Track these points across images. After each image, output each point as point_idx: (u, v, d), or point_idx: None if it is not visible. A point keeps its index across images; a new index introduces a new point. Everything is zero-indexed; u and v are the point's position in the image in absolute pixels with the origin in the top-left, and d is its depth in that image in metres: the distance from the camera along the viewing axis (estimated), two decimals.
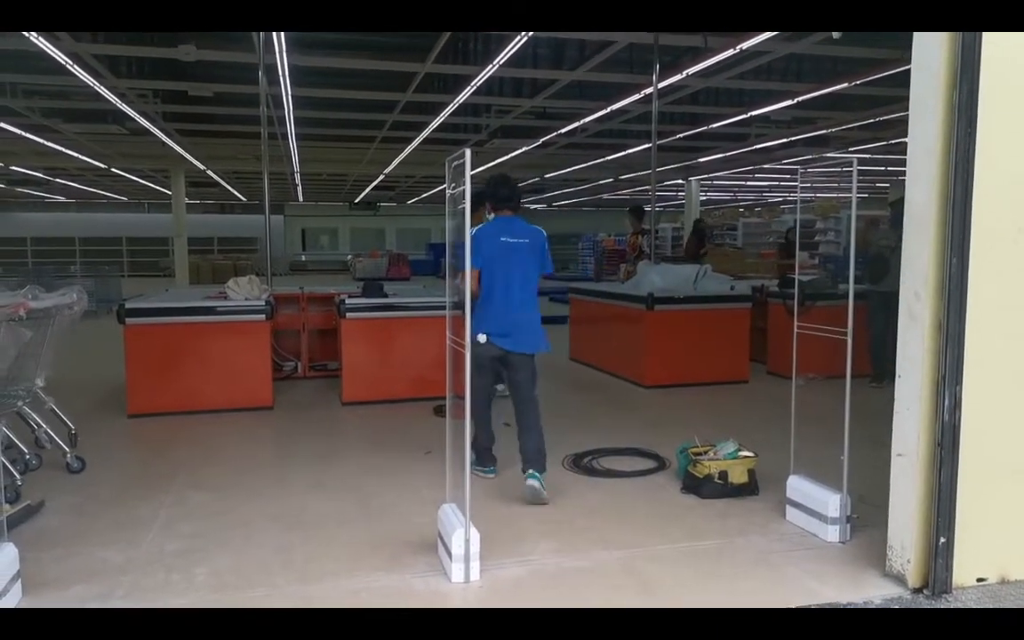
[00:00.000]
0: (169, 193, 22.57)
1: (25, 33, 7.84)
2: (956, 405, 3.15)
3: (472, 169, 3.31)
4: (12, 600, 3.09)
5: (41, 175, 22.68)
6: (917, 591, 3.25)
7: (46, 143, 15.96)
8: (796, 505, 4.03)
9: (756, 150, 18.08)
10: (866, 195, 24.62)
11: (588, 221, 37.49)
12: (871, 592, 3.27)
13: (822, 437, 3.98)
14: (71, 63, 9.32)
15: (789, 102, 12.31)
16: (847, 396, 3.76)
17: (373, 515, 4.26)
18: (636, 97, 11.73)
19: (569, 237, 34.51)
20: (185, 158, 19.02)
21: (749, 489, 4.48)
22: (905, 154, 3.34)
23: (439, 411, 6.44)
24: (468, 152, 3.28)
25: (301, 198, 32.86)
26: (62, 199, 31.96)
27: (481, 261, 4.47)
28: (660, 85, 9.78)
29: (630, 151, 17.94)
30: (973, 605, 3.15)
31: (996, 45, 3.08)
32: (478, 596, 3.27)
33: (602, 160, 19.90)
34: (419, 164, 20.95)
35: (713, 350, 7.83)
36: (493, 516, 4.03)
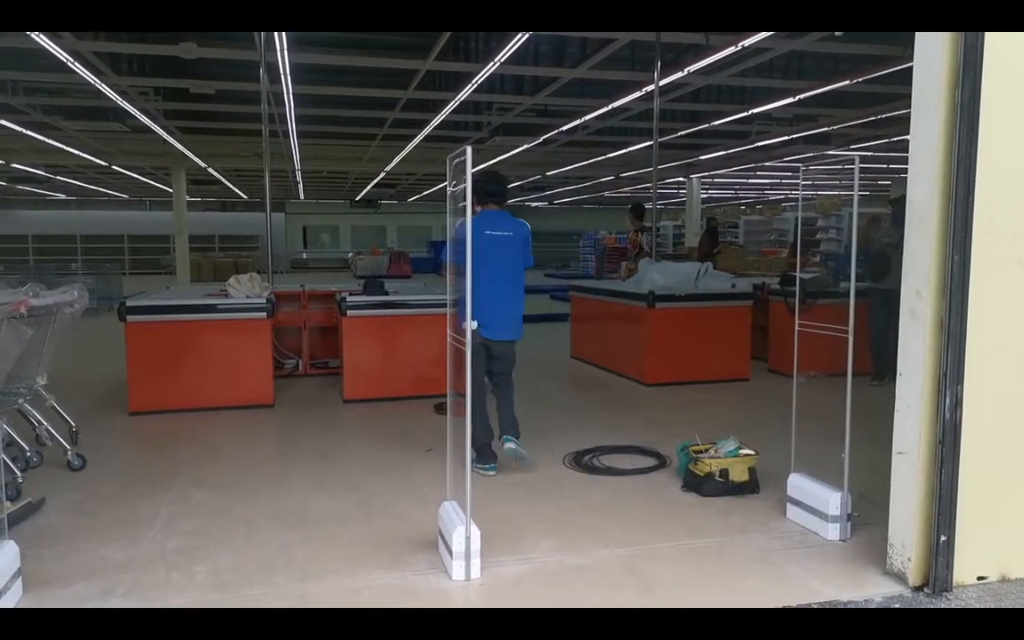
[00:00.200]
0: (170, 190, 22.57)
1: (27, 32, 7.84)
2: (957, 403, 3.15)
3: (473, 167, 3.31)
4: (13, 598, 3.10)
5: (42, 173, 22.68)
6: (918, 589, 3.25)
7: (47, 141, 15.97)
8: (797, 503, 4.03)
9: (757, 148, 18.07)
10: (868, 193, 24.66)
11: (589, 219, 37.48)
12: (872, 590, 3.27)
13: (823, 435, 3.98)
14: (72, 61, 9.32)
15: (790, 99, 12.30)
16: (848, 394, 3.76)
17: (374, 513, 4.26)
18: (637, 95, 11.72)
19: (570, 235, 34.53)
20: (186, 156, 19.02)
21: (750, 487, 4.48)
22: (907, 151, 3.34)
23: (440, 409, 6.44)
24: (469, 150, 3.28)
25: (302, 196, 32.87)
26: (63, 197, 31.98)
27: (460, 257, 4.49)
28: (661, 83, 9.78)
29: (631, 149, 17.93)
30: (974, 604, 3.14)
31: (998, 45, 3.07)
32: (479, 594, 3.27)
33: (603, 158, 19.89)
34: (420, 162, 20.95)
35: (714, 348, 7.83)
36: (494, 514, 4.03)
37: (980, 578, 3.31)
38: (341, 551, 3.72)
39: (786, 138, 16.50)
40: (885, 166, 21.06)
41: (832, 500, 3.78)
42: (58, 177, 24.23)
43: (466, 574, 3.35)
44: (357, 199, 35.76)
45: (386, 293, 7.34)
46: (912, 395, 3.26)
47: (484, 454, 4.89)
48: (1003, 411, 3.32)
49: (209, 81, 11.52)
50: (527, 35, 8.56)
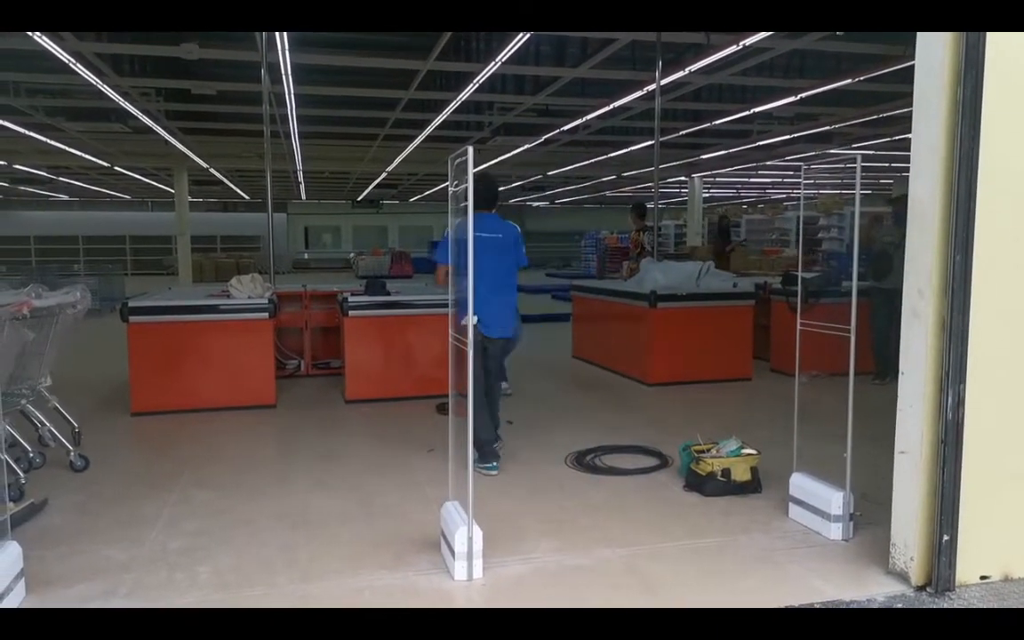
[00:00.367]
0: (172, 191, 22.59)
1: (28, 32, 7.85)
2: (959, 403, 3.15)
3: (475, 167, 3.31)
4: (16, 598, 3.10)
5: (44, 174, 22.71)
6: (920, 589, 3.25)
7: (49, 142, 15.98)
8: (799, 503, 4.02)
9: (759, 147, 18.05)
10: (869, 192, 24.64)
11: (591, 218, 37.45)
12: (874, 590, 3.27)
13: (825, 435, 3.98)
14: (74, 62, 9.33)
15: (792, 98, 12.28)
16: (850, 393, 3.75)
17: (376, 513, 4.27)
18: (638, 94, 11.72)
19: (571, 234, 34.51)
20: (188, 156, 19.03)
21: (752, 487, 4.47)
22: (908, 151, 3.34)
23: (442, 409, 6.44)
24: (470, 150, 3.28)
25: (304, 196, 32.89)
26: (65, 198, 32.01)
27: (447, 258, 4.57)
28: (663, 82, 9.77)
29: (633, 148, 17.92)
30: (976, 603, 3.14)
31: (1000, 44, 3.07)
32: (481, 594, 3.27)
33: (604, 157, 19.88)
34: (422, 162, 20.96)
35: (716, 348, 7.83)
36: (496, 514, 4.03)
37: (983, 578, 3.31)
38: (343, 551, 3.73)
39: (788, 137, 16.48)
40: (887, 165, 21.03)
41: (834, 500, 3.78)
42: (60, 178, 24.26)
43: (468, 574, 3.35)
44: (359, 199, 35.77)
45: (388, 293, 7.35)
46: (914, 394, 3.26)
47: (486, 453, 4.90)
48: (1005, 410, 3.32)
49: (211, 82, 11.53)
50: (528, 35, 8.56)
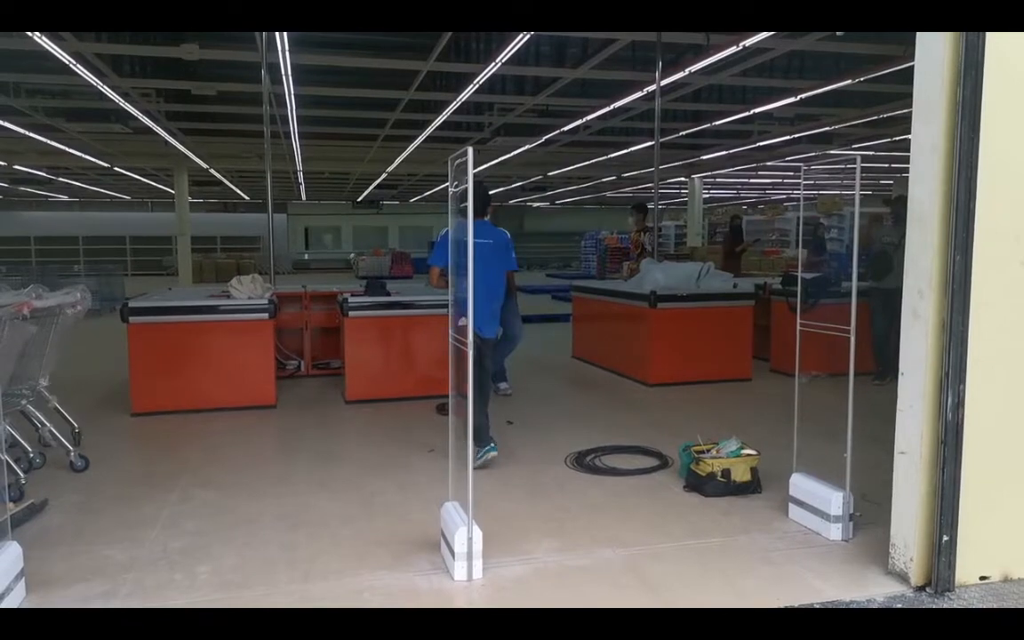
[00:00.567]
0: (172, 192, 22.61)
1: (28, 33, 7.85)
2: (959, 403, 3.15)
3: (475, 168, 3.31)
4: (16, 598, 3.11)
5: (44, 174, 22.73)
6: (920, 589, 3.25)
7: (49, 142, 15.99)
8: (799, 503, 4.03)
9: (759, 147, 18.06)
10: (869, 192, 24.64)
11: (591, 219, 37.47)
12: (874, 590, 3.27)
13: (825, 435, 3.98)
14: (74, 62, 9.34)
15: (792, 99, 12.29)
16: (850, 394, 3.76)
17: (376, 513, 4.27)
18: (639, 95, 11.72)
19: (572, 235, 34.52)
20: (188, 157, 19.04)
21: (752, 487, 4.48)
22: (908, 151, 3.34)
23: (442, 409, 6.45)
24: (471, 150, 3.28)
25: (304, 196, 32.90)
26: (65, 198, 32.03)
27: (445, 259, 4.74)
28: (663, 83, 9.78)
29: (633, 149, 17.92)
30: (976, 604, 3.14)
31: (1000, 44, 3.07)
32: (481, 594, 3.27)
33: (605, 158, 19.88)
34: (422, 162, 20.96)
35: (716, 348, 7.83)
36: (496, 514, 4.04)
37: (982, 578, 3.31)
38: (343, 551, 3.73)
39: (788, 138, 16.48)
40: (887, 166, 21.04)
41: (834, 500, 3.78)
42: (60, 179, 24.27)
43: (468, 574, 3.35)
44: (359, 200, 35.79)
45: (388, 294, 7.35)
46: (914, 395, 3.26)
47: (482, 437, 4.96)
48: (1005, 411, 3.32)
49: (211, 82, 11.53)
50: (528, 35, 8.57)
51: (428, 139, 16.09)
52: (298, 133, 15.10)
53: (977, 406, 3.18)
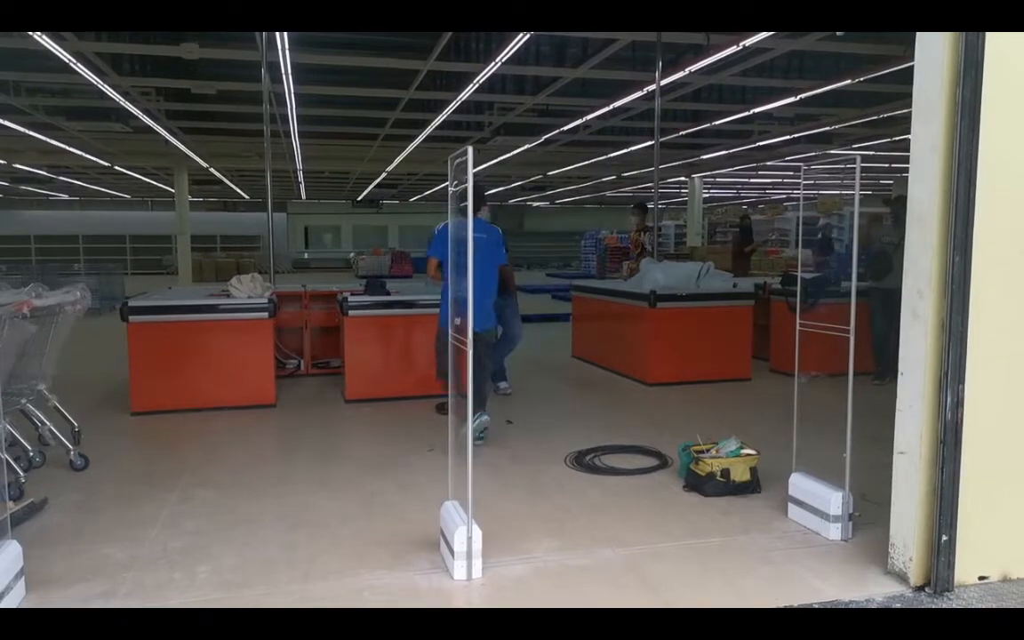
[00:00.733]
0: (172, 191, 22.61)
1: (29, 32, 7.85)
2: (959, 403, 3.15)
3: (474, 167, 3.31)
4: (16, 598, 3.11)
5: (44, 173, 22.72)
6: (919, 589, 3.26)
7: (49, 141, 16.00)
8: (798, 503, 4.03)
9: (759, 147, 18.06)
10: (869, 192, 24.65)
11: (591, 218, 37.47)
12: (873, 590, 3.28)
13: (824, 435, 3.98)
14: (74, 61, 9.34)
15: (792, 99, 12.29)
16: (849, 394, 3.76)
17: (376, 513, 4.27)
18: (638, 94, 11.73)
19: (571, 234, 34.52)
20: (188, 156, 19.04)
21: (751, 487, 4.48)
22: (908, 151, 3.34)
23: (441, 408, 6.45)
24: (470, 150, 3.28)
25: (304, 196, 32.89)
26: (65, 197, 32.03)
27: (444, 252, 5.05)
28: (663, 82, 9.78)
29: (633, 148, 17.92)
30: (975, 603, 3.15)
31: (999, 44, 3.07)
32: (480, 594, 3.28)
33: (605, 158, 19.88)
34: (421, 162, 20.97)
35: (716, 348, 7.83)
36: (495, 514, 4.04)
37: (981, 578, 3.31)
38: (343, 551, 3.73)
39: (788, 138, 16.49)
40: (887, 166, 21.04)
41: (833, 500, 3.78)
42: (60, 177, 24.27)
43: (468, 574, 3.35)
44: (359, 199, 35.78)
45: (388, 293, 7.35)
46: (913, 395, 3.27)
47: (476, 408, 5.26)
48: (1004, 411, 3.32)
49: (211, 81, 11.54)
50: (528, 35, 8.57)
51: (428, 138, 16.10)
52: (298, 132, 15.11)
53: (976, 406, 3.18)
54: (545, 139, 16.61)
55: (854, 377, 3.79)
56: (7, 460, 4.17)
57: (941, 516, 3.18)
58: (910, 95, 3.28)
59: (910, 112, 3.30)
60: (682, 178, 24.69)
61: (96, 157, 18.79)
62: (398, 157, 19.80)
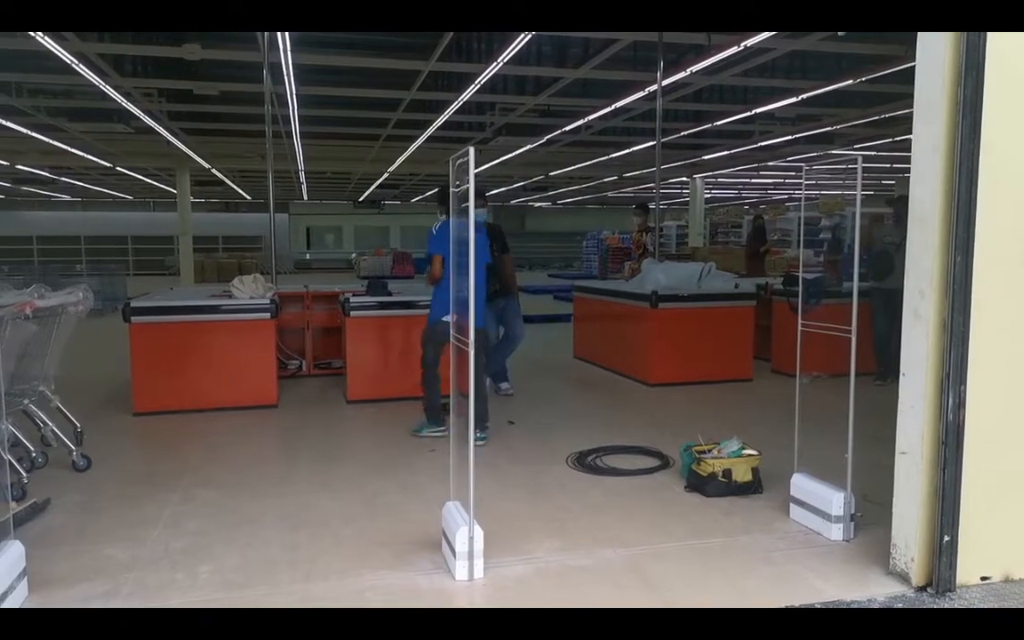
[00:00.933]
0: (174, 192, 22.64)
1: (31, 33, 7.87)
2: (960, 404, 3.15)
3: (476, 168, 3.31)
4: (18, 598, 3.11)
5: (46, 174, 22.76)
6: (921, 590, 3.25)
7: (51, 142, 16.02)
8: (800, 503, 4.03)
9: (761, 147, 18.05)
10: (871, 193, 24.62)
11: (592, 218, 37.46)
12: (875, 590, 3.27)
13: (826, 435, 3.98)
14: (76, 62, 9.36)
15: (793, 99, 12.29)
16: (851, 394, 3.75)
17: (378, 513, 4.27)
18: (640, 95, 11.73)
19: (573, 235, 34.51)
20: (190, 157, 19.07)
21: (753, 487, 4.48)
22: (910, 151, 3.34)
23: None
24: (472, 150, 3.28)
25: (306, 196, 32.92)
26: (67, 198, 32.07)
27: (446, 250, 5.34)
28: (664, 83, 9.78)
29: (634, 149, 17.92)
30: (977, 604, 3.14)
31: (1001, 44, 3.07)
32: (482, 594, 3.28)
33: (606, 158, 19.88)
34: (423, 162, 20.98)
35: (717, 348, 7.83)
36: (497, 514, 4.04)
37: (983, 578, 3.31)
38: (345, 551, 3.73)
39: (789, 138, 16.48)
40: (888, 166, 21.02)
41: (835, 500, 3.78)
42: (62, 178, 24.31)
43: (469, 574, 3.35)
44: (360, 200, 35.79)
45: (389, 294, 7.35)
46: (915, 395, 3.26)
47: (439, 416, 5.73)
48: (1006, 411, 3.32)
49: (213, 82, 11.55)
50: (529, 35, 8.57)
51: (430, 139, 16.10)
52: (300, 133, 15.12)
53: (978, 407, 3.18)
54: (547, 139, 16.62)
55: (856, 377, 3.79)
56: (10, 461, 4.18)
57: (943, 517, 3.18)
58: (912, 95, 3.28)
59: (912, 112, 3.29)
60: (684, 178, 24.69)
61: (98, 158, 18.81)
62: (400, 158, 19.82)
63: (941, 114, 3.11)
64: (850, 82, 10.89)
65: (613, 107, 12.81)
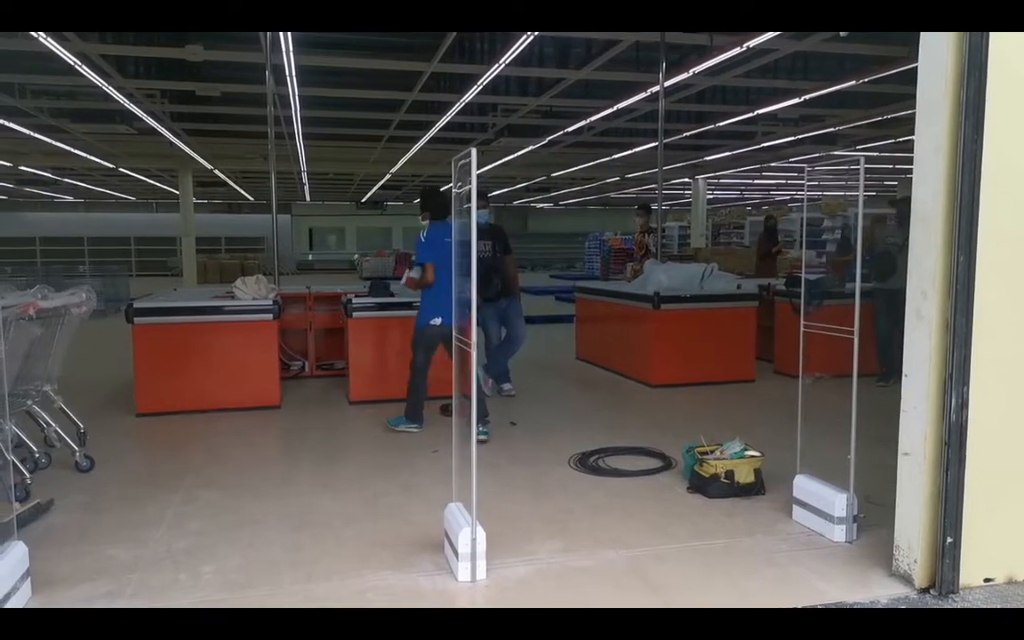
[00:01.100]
0: (177, 193, 22.68)
1: (33, 34, 7.89)
2: (963, 405, 3.14)
3: (478, 168, 3.31)
4: (22, 598, 3.12)
5: (49, 175, 22.81)
6: (924, 591, 3.25)
7: (54, 143, 16.05)
8: (803, 505, 4.02)
9: (763, 148, 18.04)
10: (873, 193, 24.59)
11: (594, 219, 37.45)
12: (877, 592, 3.27)
13: (829, 436, 3.98)
14: (79, 63, 9.38)
15: (796, 100, 12.29)
16: (854, 395, 3.75)
17: (380, 514, 4.27)
18: (642, 96, 11.73)
19: (575, 236, 34.50)
20: (193, 158, 19.10)
21: (755, 489, 4.47)
22: (912, 152, 3.34)
23: (445, 410, 6.44)
24: (474, 151, 3.28)
25: (308, 197, 32.95)
26: (70, 199, 32.13)
27: (435, 257, 5.61)
28: (666, 84, 9.78)
29: (637, 150, 17.92)
30: (980, 605, 3.14)
31: (1003, 45, 3.07)
32: (484, 595, 3.28)
33: (608, 159, 19.88)
34: (426, 163, 21.01)
35: (719, 349, 7.82)
36: (499, 515, 4.04)
37: (987, 580, 3.30)
38: (347, 552, 3.74)
39: (792, 139, 16.47)
40: (891, 166, 21.01)
41: (838, 502, 3.77)
42: (65, 179, 24.35)
43: (471, 575, 3.35)
44: (363, 201, 35.81)
45: (391, 294, 7.35)
46: (918, 396, 3.26)
47: (417, 415, 5.94)
48: (1009, 412, 3.31)
49: (215, 83, 11.57)
50: (532, 37, 8.58)
51: (432, 140, 16.12)
52: (302, 134, 15.14)
53: (981, 408, 3.17)
54: (549, 140, 16.63)
55: (858, 378, 3.78)
56: (13, 461, 4.19)
57: (946, 518, 3.17)
58: (914, 96, 3.27)
59: (914, 113, 3.29)
60: (686, 179, 24.68)
61: (101, 159, 18.85)
62: (402, 159, 19.85)
63: (944, 115, 3.11)
64: (853, 83, 10.88)
65: (615, 108, 12.82)
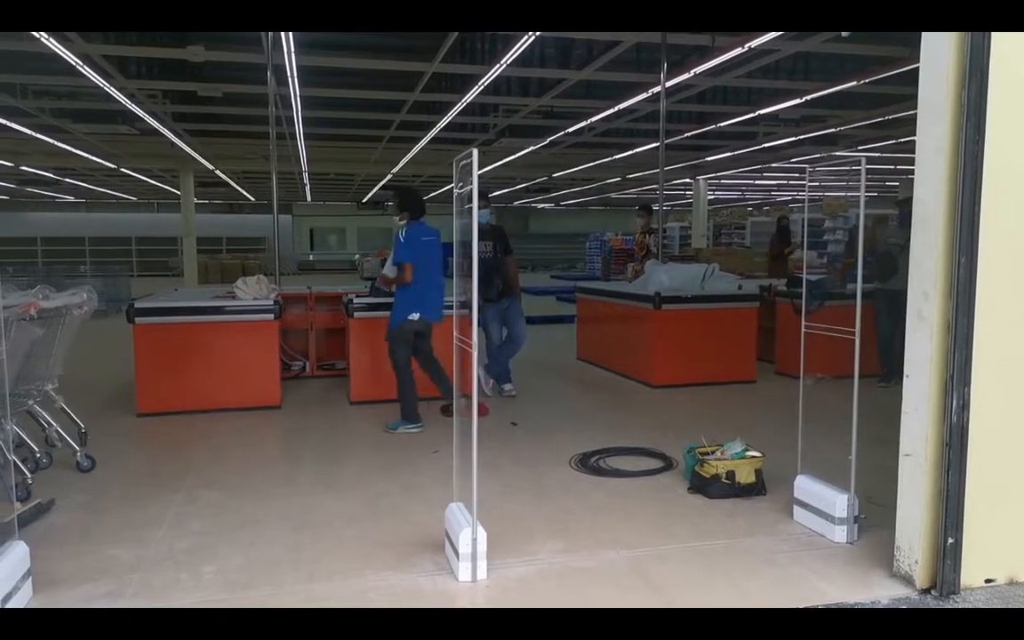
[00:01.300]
0: (178, 193, 22.69)
1: (35, 34, 7.90)
2: (964, 406, 3.14)
3: (480, 169, 3.31)
4: (23, 598, 3.12)
5: (51, 175, 22.83)
6: (925, 592, 3.25)
7: (56, 143, 16.06)
8: (804, 505, 4.02)
9: (764, 149, 18.04)
10: (875, 194, 24.58)
11: (595, 220, 37.45)
12: (878, 592, 3.27)
13: (830, 437, 3.98)
14: (81, 64, 9.39)
15: (797, 101, 12.28)
16: (855, 396, 3.75)
17: (381, 514, 4.28)
18: (643, 96, 11.73)
19: (576, 236, 34.49)
20: (194, 158, 19.11)
21: (756, 489, 4.47)
22: (914, 152, 3.34)
23: (446, 410, 6.44)
24: (475, 152, 3.29)
25: (309, 198, 32.97)
26: (72, 199, 32.15)
27: (414, 256, 5.83)
28: (668, 84, 9.78)
29: (638, 150, 17.92)
30: (981, 606, 3.14)
31: (1004, 45, 3.07)
32: (485, 596, 3.28)
33: (610, 159, 19.88)
34: (427, 164, 21.04)
35: (721, 350, 7.81)
36: (500, 515, 4.04)
37: (988, 581, 3.30)
38: (348, 552, 3.74)
39: (793, 139, 16.46)
40: (892, 167, 20.99)
41: (839, 502, 3.77)
42: (67, 179, 24.37)
43: (472, 575, 3.35)
44: (364, 201, 35.81)
45: (392, 295, 7.34)
46: (919, 397, 3.26)
47: (414, 416, 6.02)
48: (1010, 413, 3.31)
49: (217, 84, 11.58)
50: (533, 37, 8.58)
51: (433, 140, 16.12)
52: (303, 134, 15.15)
53: (982, 409, 3.17)
54: (550, 141, 16.63)
55: (860, 379, 3.78)
56: (14, 461, 4.19)
57: (947, 519, 3.17)
58: (915, 97, 3.27)
59: (915, 114, 3.29)
60: (687, 180, 24.67)
61: (102, 159, 18.86)
62: (403, 159, 19.86)
63: (945, 116, 3.11)
64: (854, 83, 10.88)
65: (617, 109, 12.82)
